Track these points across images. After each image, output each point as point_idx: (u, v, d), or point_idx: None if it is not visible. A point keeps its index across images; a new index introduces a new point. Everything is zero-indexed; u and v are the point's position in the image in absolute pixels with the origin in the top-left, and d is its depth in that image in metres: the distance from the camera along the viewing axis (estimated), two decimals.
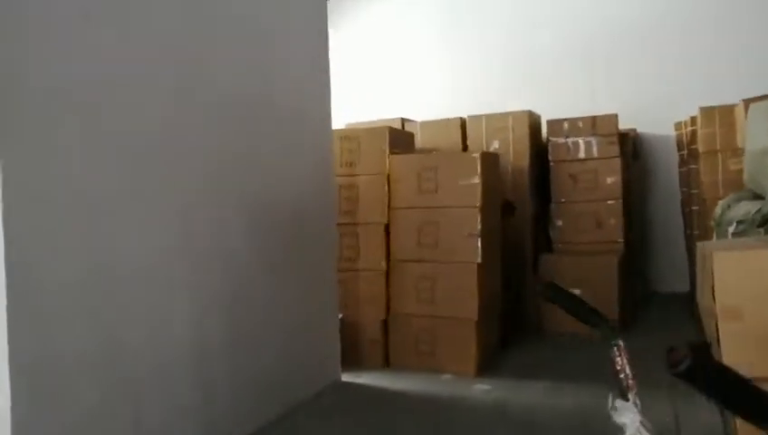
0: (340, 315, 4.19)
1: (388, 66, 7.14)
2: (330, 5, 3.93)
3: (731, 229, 2.29)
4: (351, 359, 4.15)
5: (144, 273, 2.48)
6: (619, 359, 1.18)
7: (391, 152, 4.19)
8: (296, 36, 3.66)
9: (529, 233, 5.14)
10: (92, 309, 2.23)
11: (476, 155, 4.00)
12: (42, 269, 2.04)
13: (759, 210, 2.00)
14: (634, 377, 1.18)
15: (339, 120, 6.46)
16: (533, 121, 5.17)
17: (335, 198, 4.07)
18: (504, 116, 5.11)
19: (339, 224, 4.18)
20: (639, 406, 1.17)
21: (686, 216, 5.46)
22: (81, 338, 2.18)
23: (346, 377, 3.99)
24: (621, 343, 1.19)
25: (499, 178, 4.44)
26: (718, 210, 2.74)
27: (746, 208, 2.23)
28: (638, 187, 5.92)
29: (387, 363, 4.20)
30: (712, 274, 1.37)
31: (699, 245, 1.59)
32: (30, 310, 1.99)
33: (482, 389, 3.72)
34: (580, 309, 1.25)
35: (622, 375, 1.19)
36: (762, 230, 1.98)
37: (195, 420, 2.72)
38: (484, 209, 3.95)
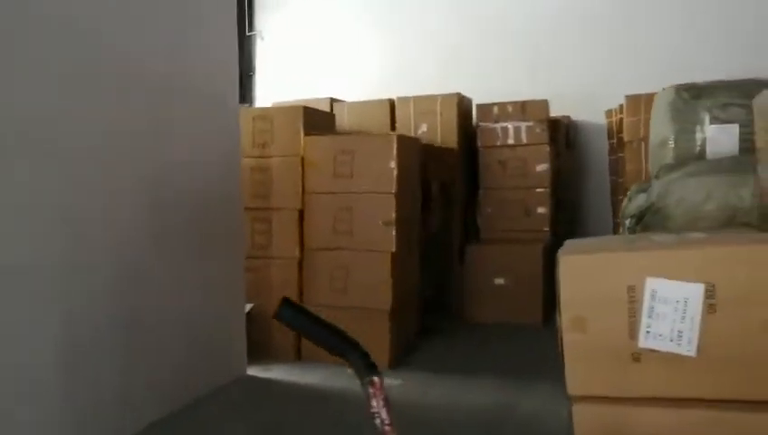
0: (250, 306, 3.98)
1: (321, 45, 6.88)
2: None
3: (627, 224, 2.18)
4: (261, 351, 3.94)
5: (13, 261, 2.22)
6: (374, 400, 0.98)
7: (307, 133, 3.97)
8: (199, 14, 3.38)
9: (457, 220, 5.01)
10: None
11: (392, 138, 3.81)
12: None
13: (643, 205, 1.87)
14: (391, 424, 0.99)
15: (268, 101, 6.20)
16: (463, 105, 5.02)
17: (242, 180, 3.82)
18: (432, 98, 4.94)
19: (250, 208, 3.95)
20: None
21: (615, 204, 5.41)
22: None
23: (254, 371, 3.79)
24: (377, 378, 1.00)
25: (419, 163, 4.26)
26: (625, 202, 2.62)
27: (641, 202, 2.11)
28: (570, 175, 5.86)
29: (299, 356, 4.02)
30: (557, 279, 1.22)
31: (566, 243, 1.44)
32: None
33: (392, 383, 3.57)
34: (325, 336, 1.05)
35: (377, 421, 0.99)
36: (638, 228, 1.86)
37: (77, 418, 2.50)
38: (400, 196, 3.78)
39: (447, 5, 6.40)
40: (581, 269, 1.23)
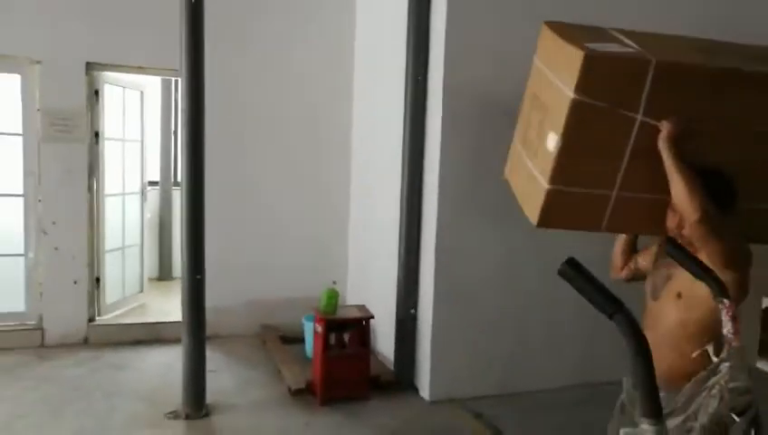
0: None
1: None
2: None
3: None
4: None
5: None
6: (724, 317, 1.36)
7: None
8: None
9: None
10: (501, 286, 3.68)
11: None
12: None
13: None
14: (735, 334, 1.38)
15: None
16: None
17: None
18: None
19: None
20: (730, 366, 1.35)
21: None
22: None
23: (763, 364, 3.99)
24: (726, 301, 1.36)
25: None
26: None
27: None
28: None
29: None
30: None
31: None
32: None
33: None
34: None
35: (725, 330, 1.39)
36: None
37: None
38: None
39: None
40: None
